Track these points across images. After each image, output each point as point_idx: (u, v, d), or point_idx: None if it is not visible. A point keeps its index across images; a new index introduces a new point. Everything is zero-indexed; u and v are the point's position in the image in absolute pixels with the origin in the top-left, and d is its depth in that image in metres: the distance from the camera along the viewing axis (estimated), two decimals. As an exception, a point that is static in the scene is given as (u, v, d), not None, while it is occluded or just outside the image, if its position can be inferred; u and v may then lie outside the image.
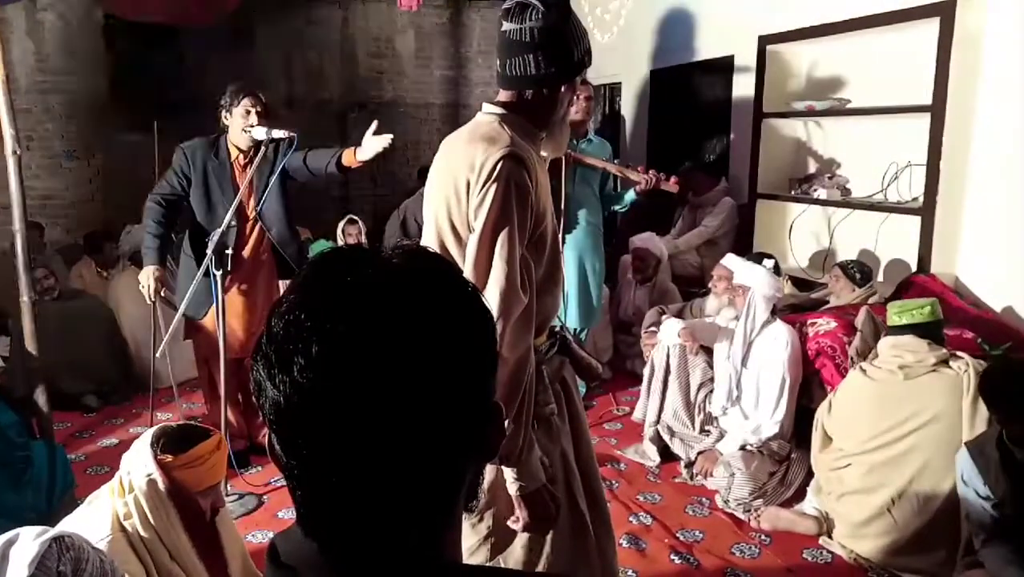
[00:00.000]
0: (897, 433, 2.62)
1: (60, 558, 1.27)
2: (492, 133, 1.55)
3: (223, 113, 3.24)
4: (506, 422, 1.48)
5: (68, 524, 1.83)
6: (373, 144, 3.10)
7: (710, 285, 3.91)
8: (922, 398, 2.60)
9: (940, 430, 2.55)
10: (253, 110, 3.19)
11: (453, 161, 1.57)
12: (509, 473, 1.54)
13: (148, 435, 1.85)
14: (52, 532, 1.32)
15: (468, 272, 1.49)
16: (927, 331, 2.66)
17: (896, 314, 2.73)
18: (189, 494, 1.83)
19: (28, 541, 1.27)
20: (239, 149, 3.26)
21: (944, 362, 2.61)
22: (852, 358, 3.04)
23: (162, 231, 3.25)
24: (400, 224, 4.92)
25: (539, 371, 1.66)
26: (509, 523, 1.64)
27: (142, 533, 1.76)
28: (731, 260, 3.77)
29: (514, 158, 1.49)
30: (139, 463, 1.80)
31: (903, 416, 2.62)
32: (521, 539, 1.72)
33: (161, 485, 1.79)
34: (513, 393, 1.49)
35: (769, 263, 3.38)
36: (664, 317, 3.75)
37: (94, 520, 1.79)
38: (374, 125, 3.14)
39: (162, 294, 3.29)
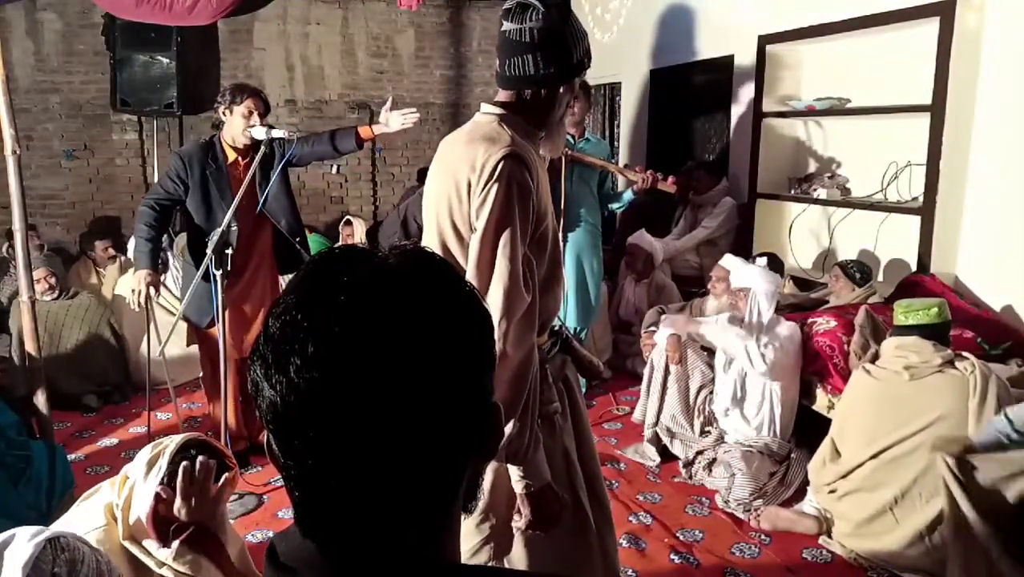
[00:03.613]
0: (902, 433, 2.61)
1: (55, 560, 1.26)
2: (492, 133, 1.55)
3: (222, 111, 3.22)
4: (512, 421, 1.48)
5: (65, 520, 1.82)
6: (397, 118, 3.18)
7: (709, 287, 3.91)
8: (928, 399, 2.59)
9: (945, 430, 2.54)
10: (256, 112, 3.18)
11: (453, 161, 1.57)
12: (515, 471, 1.54)
13: (163, 463, 1.75)
14: (47, 533, 1.31)
15: (471, 272, 1.49)
16: (933, 332, 2.64)
17: (902, 314, 2.70)
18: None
19: (22, 543, 1.26)
20: (236, 150, 3.25)
21: (949, 363, 2.60)
22: (855, 352, 3.02)
23: (155, 235, 3.23)
24: (400, 224, 4.91)
25: (542, 370, 1.66)
26: (512, 523, 1.64)
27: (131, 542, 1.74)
28: (729, 261, 3.77)
29: (515, 158, 1.50)
30: (137, 508, 1.74)
31: (909, 416, 2.61)
32: (523, 539, 1.72)
33: (151, 529, 1.73)
34: (518, 392, 1.49)
35: (762, 260, 3.37)
36: (664, 317, 3.75)
37: (89, 510, 1.79)
38: (390, 101, 3.25)
39: (156, 299, 3.29)
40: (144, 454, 1.80)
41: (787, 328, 3.19)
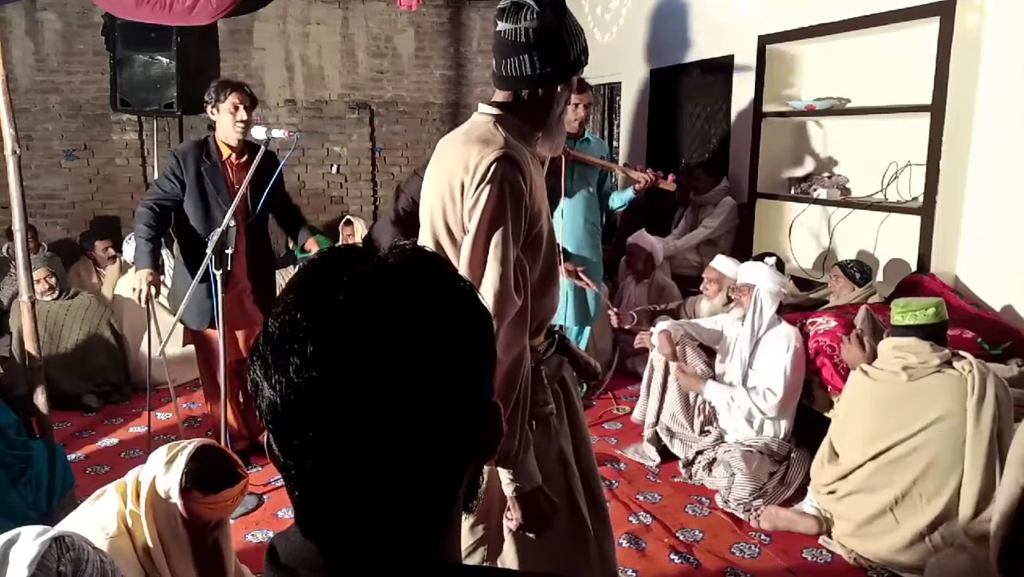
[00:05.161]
0: (902, 434, 2.60)
1: (60, 558, 1.27)
2: (487, 134, 1.54)
3: (209, 109, 3.23)
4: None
5: (72, 520, 1.82)
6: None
7: (702, 288, 3.91)
8: (927, 399, 2.58)
9: (945, 430, 2.54)
10: (241, 105, 3.18)
11: (448, 162, 1.57)
12: (505, 474, 1.54)
13: (182, 461, 1.79)
14: (52, 532, 1.32)
15: (462, 273, 1.48)
16: (930, 332, 2.63)
17: (899, 314, 2.69)
18: (201, 522, 1.84)
19: (28, 541, 1.27)
20: (229, 147, 3.26)
21: (947, 363, 2.60)
22: (854, 335, 2.99)
23: (155, 235, 3.23)
24: (392, 222, 4.85)
25: (538, 371, 1.66)
26: (505, 525, 1.64)
27: (149, 544, 1.75)
28: (721, 262, 3.77)
29: (508, 159, 1.49)
30: (164, 487, 1.78)
31: (908, 417, 2.60)
32: (518, 541, 1.71)
33: (181, 508, 1.78)
34: (508, 394, 1.49)
35: (771, 260, 3.37)
36: (659, 319, 3.75)
37: (100, 516, 1.79)
38: None
39: (157, 299, 3.29)
40: (160, 455, 1.82)
41: (787, 332, 3.19)
